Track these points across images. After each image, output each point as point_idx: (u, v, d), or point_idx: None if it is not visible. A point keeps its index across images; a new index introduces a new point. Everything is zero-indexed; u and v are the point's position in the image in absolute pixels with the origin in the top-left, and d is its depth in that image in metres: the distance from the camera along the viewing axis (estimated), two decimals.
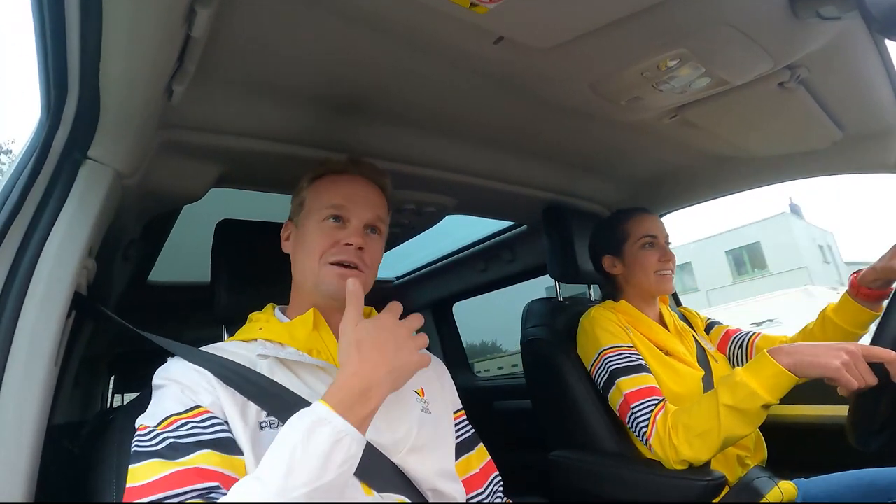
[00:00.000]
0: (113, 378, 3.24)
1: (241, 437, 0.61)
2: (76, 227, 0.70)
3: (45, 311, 0.65)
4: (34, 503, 0.59)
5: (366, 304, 0.87)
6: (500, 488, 0.85)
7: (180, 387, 0.63)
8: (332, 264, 0.76)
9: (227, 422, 0.62)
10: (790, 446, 1.18)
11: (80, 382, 2.16)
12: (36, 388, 0.62)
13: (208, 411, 0.61)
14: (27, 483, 0.58)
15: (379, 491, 0.65)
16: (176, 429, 0.58)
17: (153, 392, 0.65)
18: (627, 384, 1.05)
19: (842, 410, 0.83)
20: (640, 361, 1.09)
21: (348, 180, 0.83)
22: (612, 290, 1.31)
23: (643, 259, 1.22)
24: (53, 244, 0.67)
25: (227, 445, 0.59)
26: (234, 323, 0.84)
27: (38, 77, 0.71)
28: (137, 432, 0.60)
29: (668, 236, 1.25)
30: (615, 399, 1.07)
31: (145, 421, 0.61)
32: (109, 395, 3.25)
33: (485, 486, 0.82)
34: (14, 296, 0.63)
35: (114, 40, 0.59)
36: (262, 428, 0.63)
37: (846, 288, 1.13)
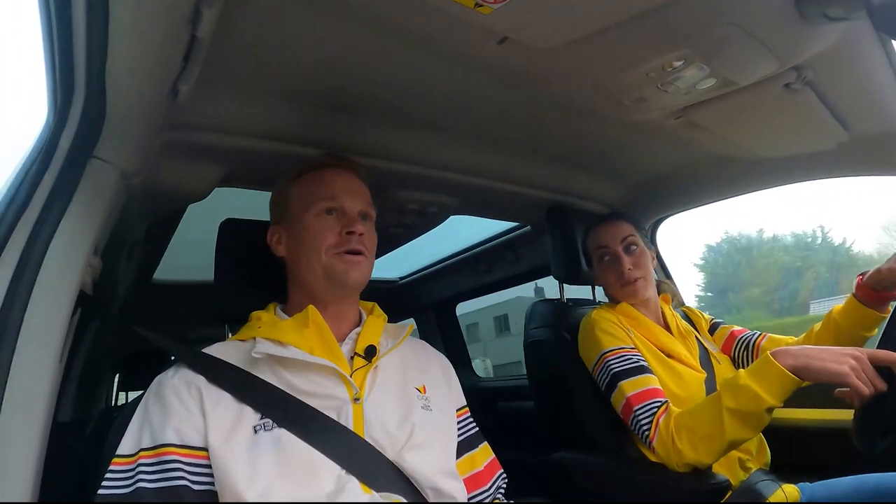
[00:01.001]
0: (118, 376, 3.26)
1: (229, 447, 0.62)
2: (82, 226, 0.71)
3: (50, 308, 0.65)
4: (39, 503, 0.60)
5: (369, 303, 0.88)
6: (504, 485, 0.85)
7: (162, 409, 0.65)
8: (340, 254, 0.78)
9: (201, 447, 0.62)
10: (793, 450, 1.17)
11: (85, 380, 2.17)
12: (41, 385, 0.62)
13: (174, 452, 0.62)
14: (32, 480, 0.59)
15: (378, 490, 0.65)
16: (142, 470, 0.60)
17: (141, 402, 0.67)
18: (630, 386, 1.05)
19: (846, 414, 0.83)
20: (641, 363, 1.08)
21: (333, 174, 0.84)
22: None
23: (604, 274, 1.24)
24: (59, 243, 0.68)
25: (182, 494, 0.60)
26: (238, 322, 0.84)
27: (45, 77, 0.72)
28: (111, 467, 0.61)
29: (626, 237, 1.21)
30: (618, 401, 1.07)
31: (123, 449, 0.63)
32: (114, 393, 3.27)
33: (489, 483, 0.82)
34: (20, 294, 0.63)
35: (120, 41, 0.59)
36: (256, 431, 0.64)
37: None
